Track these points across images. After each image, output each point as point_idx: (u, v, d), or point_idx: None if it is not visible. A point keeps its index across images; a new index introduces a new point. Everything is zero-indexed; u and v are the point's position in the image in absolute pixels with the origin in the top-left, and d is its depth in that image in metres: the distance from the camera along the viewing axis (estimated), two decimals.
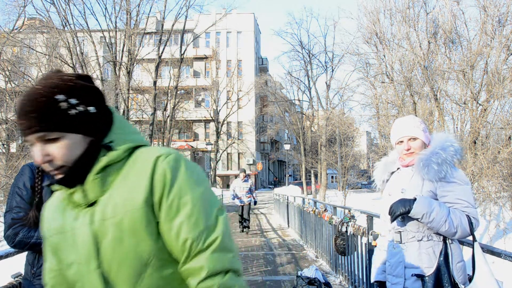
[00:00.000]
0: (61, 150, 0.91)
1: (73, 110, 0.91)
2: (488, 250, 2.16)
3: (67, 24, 17.74)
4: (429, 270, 1.88)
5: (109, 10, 29.80)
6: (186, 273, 0.95)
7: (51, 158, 0.92)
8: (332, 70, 27.40)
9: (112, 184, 0.96)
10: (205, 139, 36.31)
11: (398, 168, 2.14)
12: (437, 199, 1.92)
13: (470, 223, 1.85)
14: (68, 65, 17.64)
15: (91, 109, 0.95)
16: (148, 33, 24.56)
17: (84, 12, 20.63)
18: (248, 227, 10.67)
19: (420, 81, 13.98)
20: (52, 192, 1.79)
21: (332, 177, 38.62)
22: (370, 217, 4.29)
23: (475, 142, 11.69)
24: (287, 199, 11.97)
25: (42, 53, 18.29)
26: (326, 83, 27.29)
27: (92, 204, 0.96)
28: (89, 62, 19.93)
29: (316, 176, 30.60)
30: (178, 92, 27.46)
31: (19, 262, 2.10)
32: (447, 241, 1.91)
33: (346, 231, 4.85)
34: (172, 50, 26.05)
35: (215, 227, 0.94)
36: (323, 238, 6.60)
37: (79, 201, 0.97)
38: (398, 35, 15.06)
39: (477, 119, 11.73)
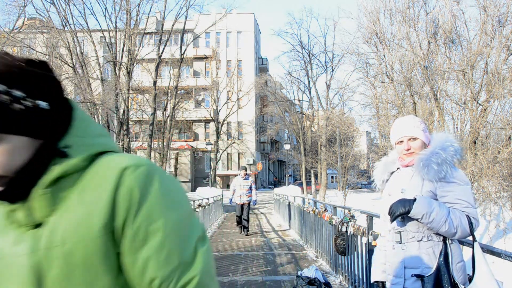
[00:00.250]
0: None
1: (17, 105, 0.70)
2: (488, 250, 2.16)
3: (67, 24, 17.75)
4: (429, 270, 1.88)
5: (109, 10, 29.80)
6: None
7: None
8: (332, 70, 27.43)
9: (64, 202, 0.74)
10: (205, 139, 36.31)
11: (398, 168, 2.14)
12: (437, 199, 1.92)
13: (470, 223, 1.85)
14: (68, 65, 17.65)
15: (43, 104, 0.73)
16: (148, 33, 24.57)
17: (84, 12, 20.63)
18: (248, 229, 10.19)
19: (420, 81, 13.99)
20: None
21: (332, 177, 38.63)
22: (370, 217, 4.29)
23: (475, 142, 11.69)
24: (288, 201, 11.62)
25: (42, 53, 18.29)
26: (326, 83, 27.30)
27: (39, 225, 0.74)
28: (89, 62, 19.94)
29: (316, 176, 30.61)
30: (178, 92, 27.47)
31: None
32: (447, 241, 1.91)
33: (346, 231, 4.85)
34: (172, 50, 26.05)
35: (192, 263, 0.73)
36: (323, 238, 6.60)
37: (22, 220, 0.75)
38: (398, 35, 15.06)
39: (477, 119, 11.73)
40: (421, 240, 1.93)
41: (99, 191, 0.72)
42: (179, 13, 21.40)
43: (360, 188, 30.99)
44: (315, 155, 28.79)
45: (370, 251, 4.24)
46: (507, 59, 11.84)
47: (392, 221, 1.95)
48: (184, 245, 0.73)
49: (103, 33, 19.53)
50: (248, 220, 10.22)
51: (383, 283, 2.16)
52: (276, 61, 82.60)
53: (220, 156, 35.39)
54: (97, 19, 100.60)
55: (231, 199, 10.20)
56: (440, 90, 13.15)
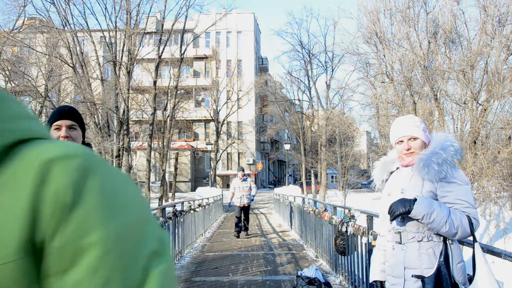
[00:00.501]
0: None
1: None
2: (488, 250, 2.16)
3: (67, 24, 17.73)
4: (429, 271, 1.87)
5: (109, 10, 29.84)
6: None
7: None
8: (332, 70, 27.42)
9: None
10: (205, 139, 36.31)
11: (397, 168, 2.13)
12: (437, 199, 1.92)
13: (471, 224, 1.85)
14: (68, 64, 17.63)
15: None
16: (148, 33, 24.55)
17: (84, 12, 20.63)
18: (246, 232, 9.83)
19: (420, 81, 13.99)
20: None
21: (332, 177, 38.64)
22: (370, 217, 4.29)
23: (475, 142, 11.69)
24: (290, 202, 11.33)
25: (42, 53, 18.29)
26: (326, 83, 27.30)
27: None
28: (89, 62, 19.92)
29: (316, 176, 30.61)
30: (178, 92, 27.46)
31: None
32: (447, 242, 1.90)
33: (346, 231, 4.86)
34: (172, 50, 26.04)
35: None
36: (323, 238, 6.60)
37: None
38: (398, 35, 15.06)
39: (477, 119, 11.73)
40: (421, 240, 1.92)
41: (14, 195, 0.50)
42: (179, 13, 21.40)
43: (360, 188, 31.00)
44: (315, 155, 28.79)
45: (370, 251, 4.24)
46: (507, 59, 11.84)
47: (391, 220, 1.95)
48: (129, 265, 0.51)
49: (103, 33, 19.51)
50: (248, 221, 9.92)
51: (381, 282, 2.16)
52: (276, 61, 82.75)
53: (220, 156, 35.39)
54: (97, 19, 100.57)
55: (229, 202, 9.84)
56: (440, 90, 13.15)
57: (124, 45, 18.37)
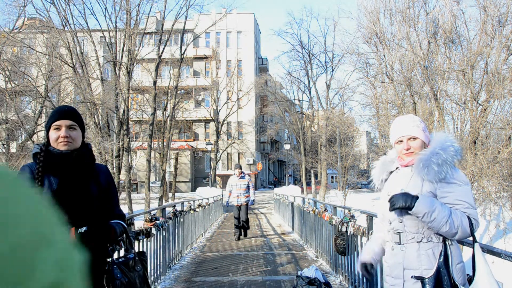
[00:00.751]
0: None
1: None
2: (488, 250, 2.16)
3: (67, 24, 17.71)
4: (428, 272, 1.86)
5: (109, 10, 29.81)
6: None
7: None
8: (332, 70, 27.41)
9: None
10: (205, 139, 36.31)
11: (397, 168, 2.12)
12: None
13: (471, 224, 1.84)
14: (68, 65, 17.62)
15: None
16: (148, 33, 24.54)
17: (84, 12, 20.61)
18: (246, 233, 9.49)
19: (420, 81, 13.98)
20: (52, 192, 1.80)
21: (332, 177, 38.63)
22: (370, 217, 4.29)
23: (475, 142, 11.69)
24: (292, 203, 11.01)
25: (42, 53, 18.28)
26: (326, 83, 27.29)
27: None
28: (89, 62, 19.91)
29: (316, 176, 30.59)
30: (178, 92, 27.44)
31: None
32: (447, 242, 1.90)
33: (346, 231, 4.85)
34: (172, 50, 26.04)
35: None
36: (323, 238, 6.60)
37: None
38: (398, 35, 15.05)
39: (477, 119, 11.73)
40: (420, 241, 1.91)
41: None
42: (179, 13, 21.38)
43: (360, 188, 31.00)
44: (315, 155, 28.78)
45: None
46: (507, 59, 11.84)
47: (390, 210, 1.93)
48: None
49: (103, 33, 19.50)
50: (247, 221, 9.42)
51: (371, 264, 2.17)
52: (276, 61, 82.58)
53: (220, 156, 35.39)
54: (97, 19, 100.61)
55: (227, 201, 9.50)
56: (440, 90, 13.15)
57: (124, 45, 18.36)
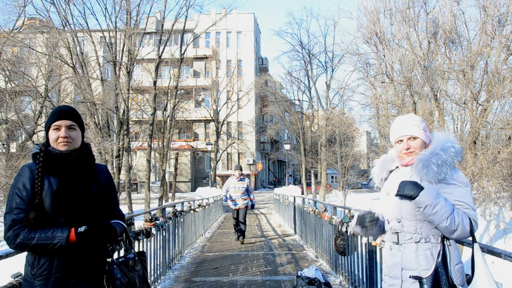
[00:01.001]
0: None
1: None
2: (488, 250, 2.16)
3: (67, 24, 17.70)
4: (426, 272, 1.86)
5: (109, 10, 29.86)
6: None
7: None
8: (332, 70, 27.41)
9: None
10: (205, 139, 36.31)
11: (397, 167, 2.12)
12: None
13: (470, 224, 1.84)
14: (68, 65, 17.61)
15: None
16: (148, 33, 24.54)
17: (84, 12, 20.65)
18: (244, 235, 8.83)
19: (420, 81, 13.98)
20: (52, 193, 1.80)
21: (332, 177, 38.63)
22: None
23: (475, 142, 11.68)
24: (293, 204, 10.63)
25: (42, 53, 18.27)
26: (326, 83, 27.29)
27: None
28: (89, 62, 19.90)
29: (316, 176, 30.58)
30: (178, 92, 27.44)
31: (19, 262, 2.10)
32: (445, 243, 1.89)
33: (346, 231, 4.85)
34: (172, 50, 26.05)
35: None
36: (323, 238, 6.60)
37: None
38: (398, 35, 15.05)
39: (477, 119, 11.72)
40: (418, 241, 1.91)
41: None
42: (179, 13, 21.37)
43: (360, 188, 31.00)
44: (315, 155, 28.78)
45: (370, 251, 4.24)
46: (507, 59, 11.83)
47: (396, 196, 1.91)
48: None
49: (103, 33, 19.49)
50: (245, 223, 8.82)
51: (377, 217, 2.06)
52: (276, 61, 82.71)
53: (220, 156, 35.39)
54: (97, 19, 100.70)
55: (225, 195, 8.82)
56: (440, 90, 13.14)
57: (124, 45, 18.35)
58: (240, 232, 8.78)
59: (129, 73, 18.47)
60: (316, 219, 7.26)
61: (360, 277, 4.56)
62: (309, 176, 30.85)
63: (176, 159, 32.89)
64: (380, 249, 3.87)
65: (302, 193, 25.97)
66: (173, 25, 20.97)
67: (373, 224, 2.03)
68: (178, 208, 7.39)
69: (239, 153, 37.88)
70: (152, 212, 5.64)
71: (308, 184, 29.21)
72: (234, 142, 36.95)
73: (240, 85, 36.14)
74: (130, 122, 21.86)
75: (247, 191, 8.77)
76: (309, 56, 28.32)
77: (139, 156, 32.73)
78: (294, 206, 10.55)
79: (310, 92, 28.92)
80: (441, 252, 1.87)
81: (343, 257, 5.19)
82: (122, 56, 18.47)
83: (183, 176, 35.97)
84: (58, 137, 1.89)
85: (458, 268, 1.88)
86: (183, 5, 21.87)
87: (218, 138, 34.27)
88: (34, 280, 1.79)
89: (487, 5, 11.84)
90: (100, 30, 19.41)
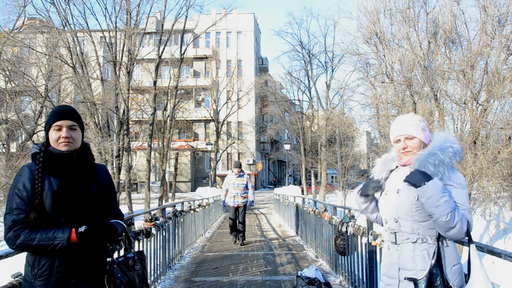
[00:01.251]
0: None
1: None
2: (488, 250, 2.16)
3: (67, 24, 17.70)
4: (422, 272, 1.85)
5: (109, 10, 29.80)
6: None
7: None
8: (332, 70, 27.43)
9: None
10: (205, 139, 36.31)
11: (396, 167, 2.12)
12: None
13: (467, 225, 1.83)
14: (68, 65, 17.61)
15: None
16: (148, 33, 24.55)
17: (84, 12, 20.62)
18: (244, 237, 8.48)
19: (420, 81, 13.98)
20: (53, 193, 1.80)
21: (332, 177, 38.63)
22: None
23: (475, 142, 11.68)
24: (295, 205, 10.36)
25: (42, 53, 18.27)
26: (326, 83, 27.30)
27: None
28: (89, 62, 19.91)
29: (316, 176, 30.58)
30: (178, 92, 27.44)
31: (19, 262, 2.10)
32: (440, 243, 1.88)
33: (346, 231, 4.85)
34: (172, 50, 26.04)
35: None
36: (323, 238, 6.60)
37: None
38: (398, 35, 15.05)
39: (477, 119, 11.72)
40: (415, 242, 1.90)
41: None
42: (179, 13, 21.39)
43: None
44: (315, 155, 28.79)
45: (370, 251, 4.24)
46: (507, 59, 11.83)
47: (404, 181, 1.91)
48: None
49: (103, 33, 19.50)
50: (244, 224, 8.45)
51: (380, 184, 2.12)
52: (276, 61, 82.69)
53: (220, 156, 35.39)
54: (97, 19, 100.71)
55: (223, 200, 8.54)
56: (440, 90, 13.15)
57: (124, 45, 18.36)
58: (240, 232, 8.46)
59: (129, 73, 18.47)
60: (316, 219, 7.26)
61: (360, 277, 4.57)
62: (309, 176, 30.86)
63: (176, 159, 32.90)
64: (380, 249, 3.88)
65: (302, 193, 25.98)
66: (173, 25, 20.97)
67: (375, 190, 2.10)
68: (178, 208, 7.39)
69: (239, 153, 37.89)
70: (152, 212, 5.64)
71: (309, 185, 29.21)
72: (234, 142, 36.94)
73: (240, 85, 36.14)
74: (130, 122, 21.85)
75: (247, 188, 8.39)
76: (309, 56, 28.33)
77: (139, 156, 32.74)
78: (297, 207, 10.39)
79: (310, 92, 28.95)
80: (435, 253, 1.86)
81: (343, 257, 5.19)
82: (122, 56, 18.47)
83: (183, 176, 35.97)
84: (59, 137, 1.88)
85: (456, 269, 1.86)
86: (183, 5, 21.90)
87: (218, 138, 34.27)
88: (35, 280, 1.79)
89: (487, 5, 11.84)
90: (100, 30, 19.42)
